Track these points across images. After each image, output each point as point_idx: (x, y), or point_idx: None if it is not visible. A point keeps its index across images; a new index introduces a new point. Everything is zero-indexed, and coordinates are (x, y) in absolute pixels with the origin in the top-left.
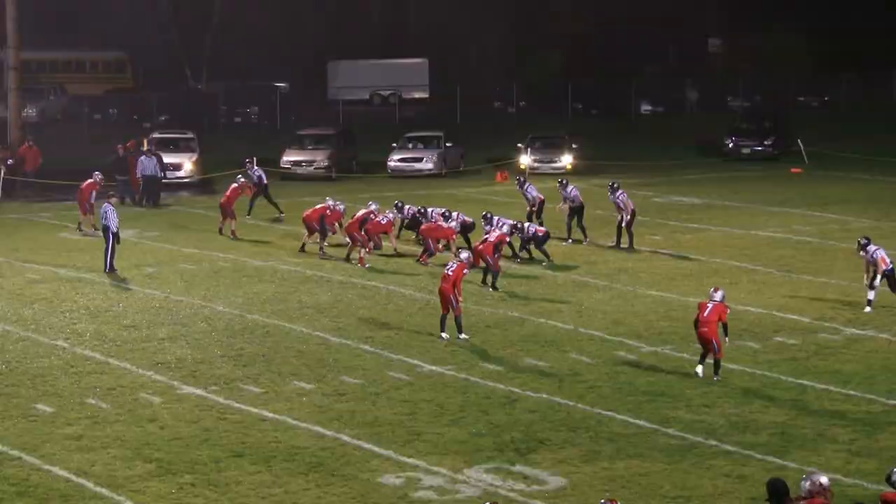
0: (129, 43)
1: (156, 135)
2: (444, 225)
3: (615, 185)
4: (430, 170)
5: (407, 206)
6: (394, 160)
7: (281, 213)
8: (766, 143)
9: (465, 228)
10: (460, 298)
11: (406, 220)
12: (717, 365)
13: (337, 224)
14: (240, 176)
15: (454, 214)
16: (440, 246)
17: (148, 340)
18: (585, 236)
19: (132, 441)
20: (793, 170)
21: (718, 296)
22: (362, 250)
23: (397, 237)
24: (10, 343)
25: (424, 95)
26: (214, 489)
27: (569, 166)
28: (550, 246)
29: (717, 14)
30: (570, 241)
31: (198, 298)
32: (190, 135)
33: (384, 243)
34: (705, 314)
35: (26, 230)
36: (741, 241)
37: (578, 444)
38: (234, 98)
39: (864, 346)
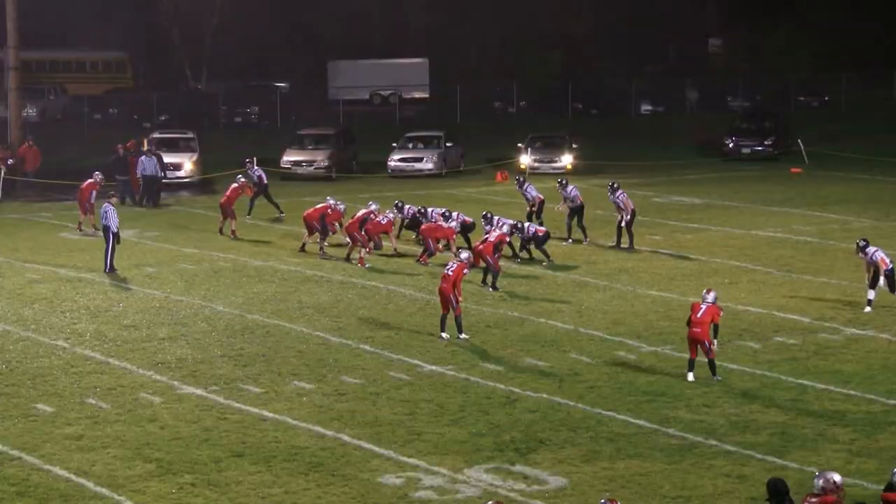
0: (129, 43)
1: (156, 135)
2: (445, 225)
3: (615, 185)
4: (430, 170)
5: (407, 206)
6: (394, 160)
7: (281, 213)
8: (766, 143)
9: (466, 228)
10: (460, 298)
11: (406, 220)
12: (712, 365)
13: (337, 224)
14: (240, 176)
15: (454, 214)
16: (440, 246)
17: (148, 340)
18: (585, 236)
19: (132, 441)
20: (793, 170)
21: (711, 297)
22: (362, 250)
23: (397, 237)
24: (10, 343)
25: (424, 95)
26: (214, 489)
27: (569, 166)
28: (550, 246)
29: (717, 14)
30: (571, 241)
31: (198, 298)
32: (190, 135)
33: (384, 243)
34: (698, 315)
35: (26, 230)
36: (741, 241)
37: (578, 444)
38: (234, 98)
39: (864, 346)
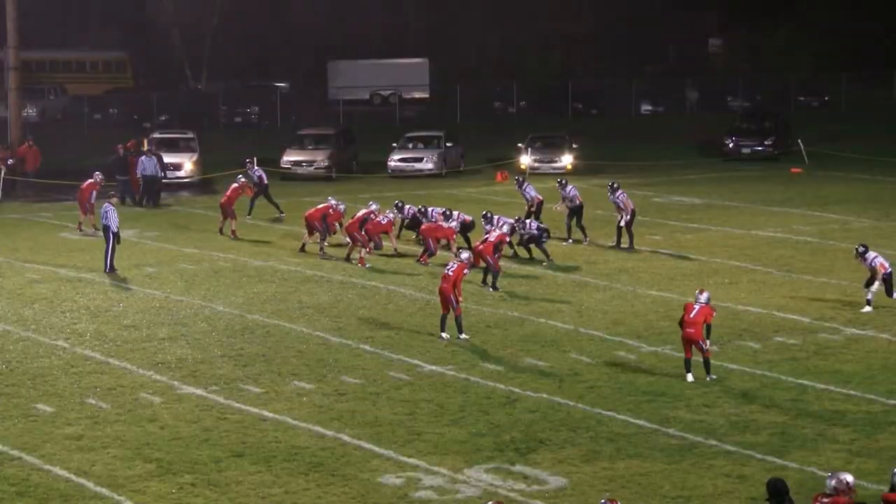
0: (129, 43)
1: (156, 135)
2: (445, 225)
3: (615, 185)
4: (430, 170)
5: (407, 206)
6: (394, 160)
7: (281, 213)
8: (766, 143)
9: (466, 228)
10: (460, 298)
11: (406, 220)
12: (707, 364)
13: (337, 224)
14: (240, 176)
15: (454, 214)
16: (440, 245)
17: (148, 340)
18: (585, 236)
19: (132, 441)
20: (793, 170)
21: (704, 297)
22: (363, 250)
23: (397, 237)
24: (10, 343)
25: (424, 95)
26: (214, 489)
27: (569, 166)
28: (550, 246)
29: (717, 14)
30: (571, 241)
31: (198, 298)
32: (190, 135)
33: (384, 243)
34: (692, 315)
35: (26, 230)
36: (741, 241)
37: (578, 444)
38: (234, 98)
39: (864, 346)
